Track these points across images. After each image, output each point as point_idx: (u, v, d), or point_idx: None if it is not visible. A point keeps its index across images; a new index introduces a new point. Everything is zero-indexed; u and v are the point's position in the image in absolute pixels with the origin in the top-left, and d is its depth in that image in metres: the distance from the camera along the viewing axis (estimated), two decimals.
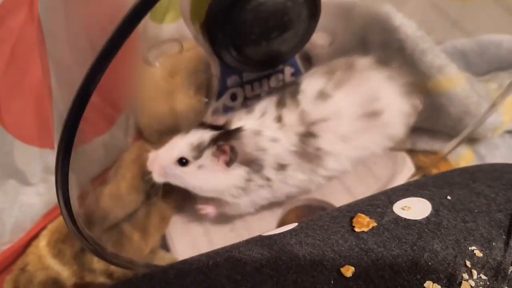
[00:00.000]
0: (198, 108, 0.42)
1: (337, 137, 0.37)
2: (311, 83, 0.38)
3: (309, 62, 0.45)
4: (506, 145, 0.48)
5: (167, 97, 0.41)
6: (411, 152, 0.48)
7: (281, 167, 0.37)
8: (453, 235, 0.23)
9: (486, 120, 0.41)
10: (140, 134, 0.43)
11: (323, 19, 0.36)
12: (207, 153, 0.35)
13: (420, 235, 0.23)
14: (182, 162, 0.35)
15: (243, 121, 0.37)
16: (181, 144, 0.36)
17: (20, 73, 0.34)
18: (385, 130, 0.39)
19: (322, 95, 0.37)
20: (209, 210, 0.41)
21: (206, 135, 0.36)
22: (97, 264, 0.39)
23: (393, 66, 0.40)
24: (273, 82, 0.41)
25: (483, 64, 0.53)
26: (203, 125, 0.37)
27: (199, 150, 0.35)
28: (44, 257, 0.38)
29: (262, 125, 0.36)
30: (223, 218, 0.43)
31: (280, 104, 0.37)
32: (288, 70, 0.41)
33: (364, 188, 0.44)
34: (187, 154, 0.35)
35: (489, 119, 0.43)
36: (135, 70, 0.40)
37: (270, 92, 0.42)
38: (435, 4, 0.51)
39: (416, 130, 0.47)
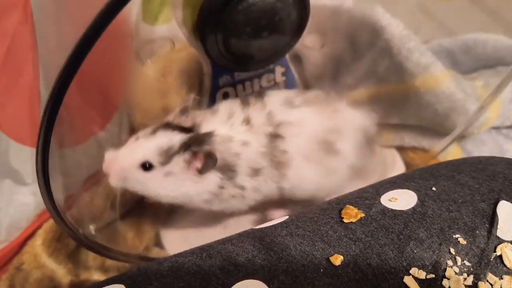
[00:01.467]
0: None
1: (300, 147, 0.36)
2: (278, 92, 0.39)
3: (299, 62, 0.46)
4: (493, 141, 0.50)
5: (160, 96, 0.42)
6: (400, 148, 0.49)
7: (255, 172, 0.35)
8: (438, 224, 0.24)
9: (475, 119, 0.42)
10: (134, 133, 0.44)
11: (312, 19, 0.37)
12: (177, 159, 0.32)
13: (406, 225, 0.24)
14: (146, 167, 0.32)
15: (211, 123, 0.35)
16: (146, 146, 0.32)
17: (14, 74, 0.34)
18: (331, 174, 0.39)
19: (289, 103, 0.37)
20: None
21: (175, 138, 0.33)
22: (92, 261, 0.39)
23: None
24: (264, 82, 0.42)
25: (469, 62, 0.54)
26: (169, 126, 0.34)
27: (168, 155, 0.32)
28: (40, 256, 0.38)
29: (231, 129, 0.35)
30: (217, 217, 0.43)
31: (245, 104, 0.37)
32: (279, 70, 0.42)
33: (355, 185, 0.45)
34: (153, 159, 0.32)
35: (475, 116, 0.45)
36: (129, 69, 0.41)
37: (261, 91, 0.43)
38: (422, 4, 0.52)
39: (404, 126, 0.48)
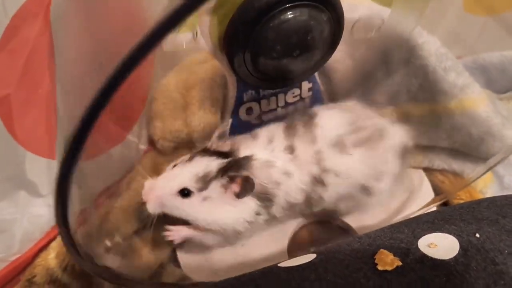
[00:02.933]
0: (212, 121, 0.41)
1: (336, 194, 0.36)
2: (330, 121, 0.36)
3: (327, 76, 0.44)
4: None
5: (181, 109, 0.40)
6: (428, 170, 0.47)
7: (290, 206, 0.35)
8: (482, 279, 0.22)
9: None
10: (153, 145, 0.43)
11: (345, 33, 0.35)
12: (215, 184, 0.32)
13: (448, 278, 0.22)
14: (184, 193, 0.32)
15: (251, 148, 0.34)
16: (183, 174, 0.33)
17: (33, 85, 0.33)
18: (362, 210, 0.39)
19: (341, 145, 0.35)
20: (176, 236, 0.37)
21: (212, 164, 0.33)
22: None
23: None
24: (289, 97, 0.40)
25: (505, 81, 0.51)
26: (207, 152, 0.34)
27: (205, 181, 0.32)
28: (52, 270, 0.37)
29: (272, 155, 0.34)
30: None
31: (290, 131, 0.35)
32: (306, 85, 0.40)
33: (381, 210, 0.43)
34: (191, 185, 0.32)
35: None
36: (150, 81, 0.40)
37: (286, 106, 0.41)
38: (457, 19, 0.49)
39: (435, 148, 0.46)
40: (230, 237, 0.35)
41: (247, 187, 0.32)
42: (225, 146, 0.34)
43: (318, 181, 0.34)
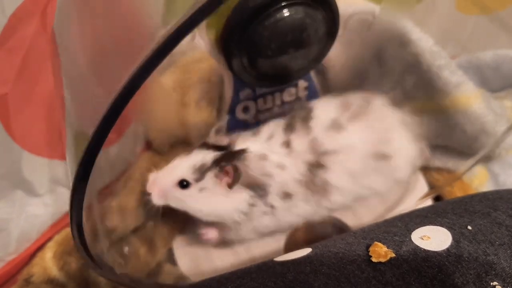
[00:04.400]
0: (209, 121, 0.41)
1: (346, 171, 0.36)
2: (325, 111, 0.37)
3: (322, 75, 0.44)
4: None
5: (178, 108, 0.40)
6: (424, 169, 0.47)
7: (287, 195, 0.36)
8: (474, 269, 0.23)
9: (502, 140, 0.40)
10: (149, 145, 0.43)
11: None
12: (210, 175, 0.34)
13: (440, 268, 0.23)
14: (183, 184, 0.34)
15: (248, 143, 0.35)
16: (182, 166, 0.34)
17: (30, 83, 0.33)
18: (392, 174, 0.39)
19: (336, 126, 0.36)
20: (210, 235, 0.39)
21: (208, 156, 0.34)
22: (102, 277, 0.38)
23: (406, 110, 0.40)
24: (286, 96, 0.40)
25: (499, 80, 0.52)
26: (205, 146, 0.35)
27: (201, 172, 0.34)
28: (50, 269, 0.37)
29: (268, 148, 0.35)
30: None
31: (289, 128, 0.36)
32: (302, 84, 0.41)
33: (376, 205, 0.43)
34: (188, 176, 0.34)
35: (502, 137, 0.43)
36: (146, 81, 0.40)
37: (282, 106, 0.41)
38: (451, 18, 0.50)
39: (430, 147, 0.46)
40: (232, 225, 0.36)
41: (235, 177, 0.33)
42: (223, 141, 0.36)
43: (316, 165, 0.35)
